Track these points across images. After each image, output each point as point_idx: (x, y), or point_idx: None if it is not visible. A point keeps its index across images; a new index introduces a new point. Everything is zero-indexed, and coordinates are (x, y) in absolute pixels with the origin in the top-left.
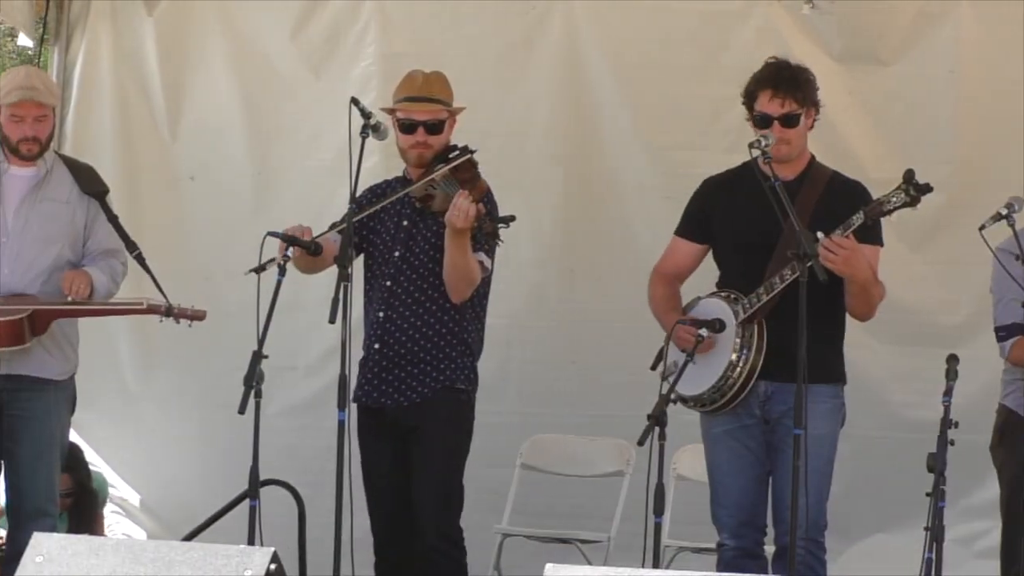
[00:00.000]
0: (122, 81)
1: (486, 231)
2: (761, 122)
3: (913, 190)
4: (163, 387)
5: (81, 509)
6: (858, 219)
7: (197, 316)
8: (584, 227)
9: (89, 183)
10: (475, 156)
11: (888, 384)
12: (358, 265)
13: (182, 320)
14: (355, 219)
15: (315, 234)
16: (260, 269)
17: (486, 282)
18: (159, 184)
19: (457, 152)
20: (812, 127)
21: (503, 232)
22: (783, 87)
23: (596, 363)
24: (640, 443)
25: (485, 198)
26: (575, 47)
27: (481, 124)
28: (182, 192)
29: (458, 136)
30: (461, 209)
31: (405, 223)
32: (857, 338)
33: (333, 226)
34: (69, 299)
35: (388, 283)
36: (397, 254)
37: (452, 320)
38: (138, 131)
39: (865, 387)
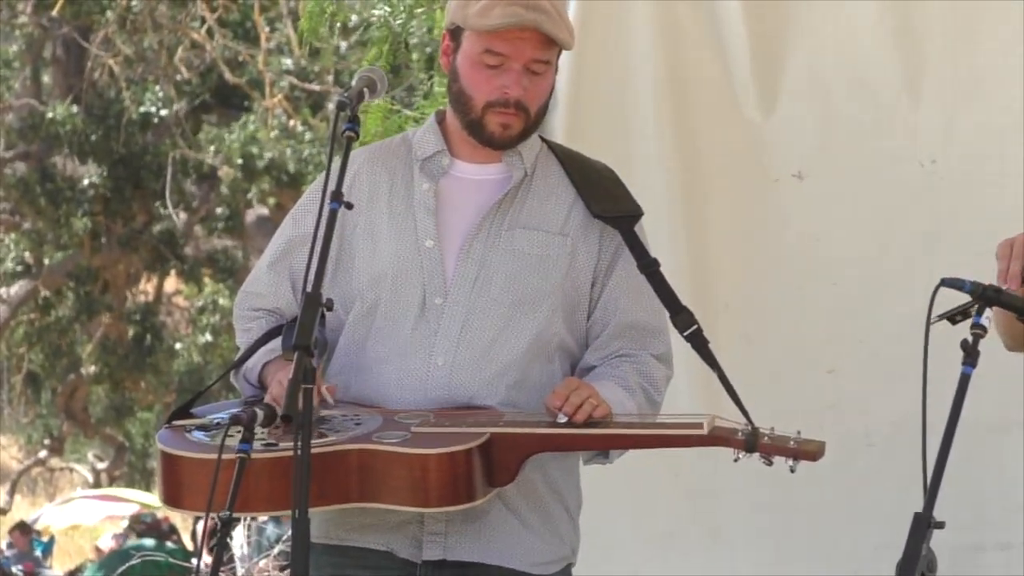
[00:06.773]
0: (672, 17)
1: None
2: None
3: None
4: None
5: None
6: None
7: (806, 453)
8: None
9: (606, 198)
10: None
11: None
12: None
13: (776, 458)
14: None
15: None
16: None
17: None
18: (738, 192)
19: None
20: None
21: None
22: None
23: None
24: None
25: None
26: None
27: None
28: (779, 205)
29: None
30: None
31: None
32: None
33: None
34: (560, 420)
35: None
36: None
37: None
38: (701, 103)
39: None
